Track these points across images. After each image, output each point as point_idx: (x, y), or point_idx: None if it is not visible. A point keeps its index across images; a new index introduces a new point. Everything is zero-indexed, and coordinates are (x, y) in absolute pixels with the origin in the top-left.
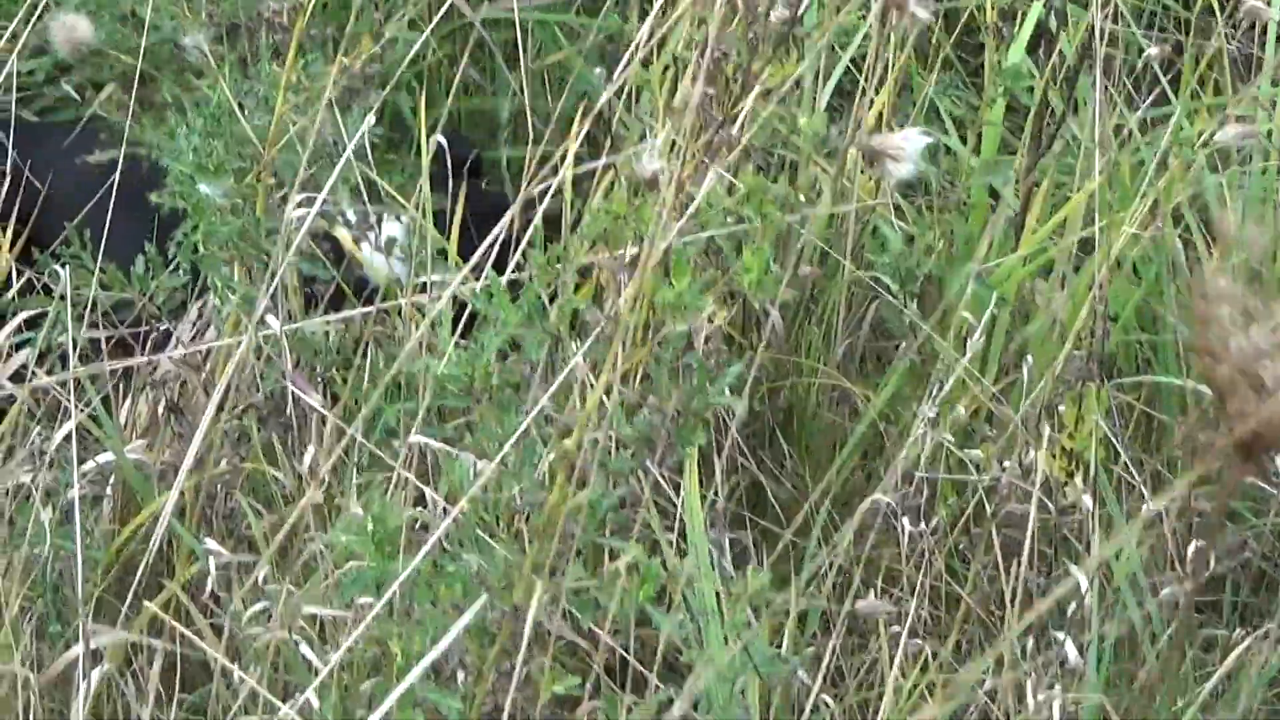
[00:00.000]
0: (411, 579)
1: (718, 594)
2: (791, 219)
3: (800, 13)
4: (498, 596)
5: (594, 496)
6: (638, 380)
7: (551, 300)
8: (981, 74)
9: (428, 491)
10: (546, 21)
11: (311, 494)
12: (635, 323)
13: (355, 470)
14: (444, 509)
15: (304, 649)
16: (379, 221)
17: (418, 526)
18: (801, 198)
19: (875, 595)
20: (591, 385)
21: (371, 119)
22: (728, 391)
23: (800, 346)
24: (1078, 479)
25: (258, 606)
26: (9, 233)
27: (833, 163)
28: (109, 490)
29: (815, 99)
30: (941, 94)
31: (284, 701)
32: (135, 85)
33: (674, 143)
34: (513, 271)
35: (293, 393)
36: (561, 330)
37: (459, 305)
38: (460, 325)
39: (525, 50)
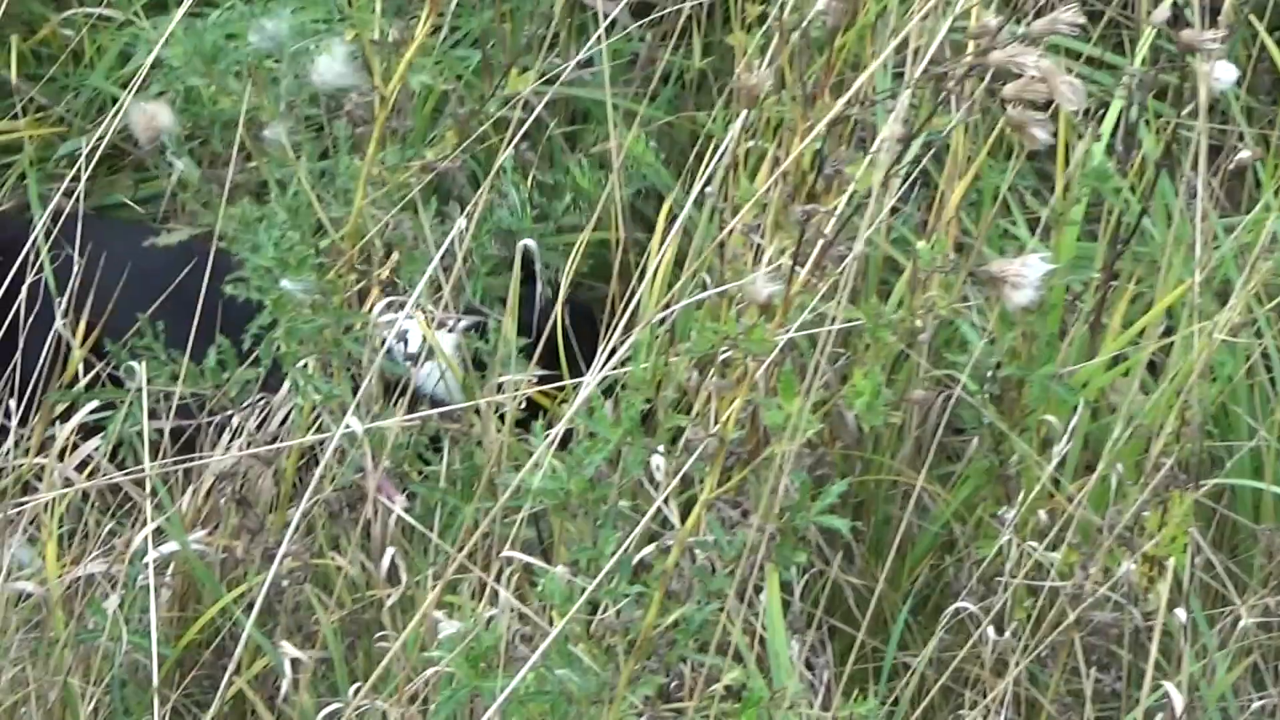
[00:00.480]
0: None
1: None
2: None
3: (913, 132)
4: (589, 715)
5: (688, 613)
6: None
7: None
8: (1049, 161)
9: (513, 603)
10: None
11: (390, 595)
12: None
13: (430, 574)
14: (523, 621)
15: None
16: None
17: (513, 641)
18: (918, 322)
19: (953, 700)
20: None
21: (463, 222)
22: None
23: (870, 441)
24: (1159, 585)
25: (330, 709)
26: (83, 324)
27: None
28: (168, 578)
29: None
30: (1013, 190)
31: None
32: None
33: (785, 256)
34: (600, 377)
35: (369, 489)
36: (662, 446)
37: (529, 406)
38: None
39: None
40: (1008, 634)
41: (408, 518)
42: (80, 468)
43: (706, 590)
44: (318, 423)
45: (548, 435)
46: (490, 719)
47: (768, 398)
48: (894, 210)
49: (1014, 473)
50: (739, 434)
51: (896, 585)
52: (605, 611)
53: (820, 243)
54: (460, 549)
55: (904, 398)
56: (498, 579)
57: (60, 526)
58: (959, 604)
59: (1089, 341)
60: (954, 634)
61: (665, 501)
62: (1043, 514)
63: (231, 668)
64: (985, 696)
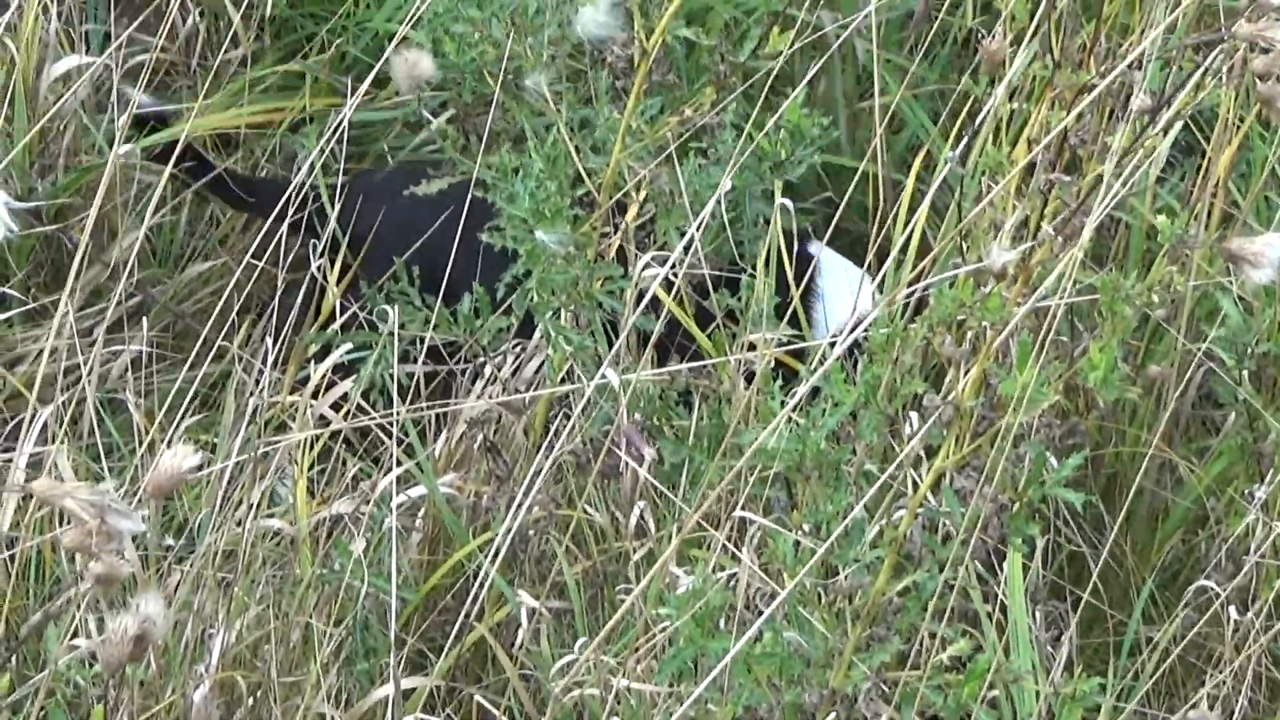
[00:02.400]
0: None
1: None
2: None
3: (1163, 102)
4: (818, 678)
5: (920, 578)
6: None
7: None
8: None
9: (746, 562)
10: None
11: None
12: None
13: (675, 528)
14: (762, 581)
15: None
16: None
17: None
18: (1154, 295)
19: (1195, 677)
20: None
21: (727, 182)
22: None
23: (1126, 413)
24: None
25: (567, 659)
26: (338, 266)
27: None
28: (418, 523)
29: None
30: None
31: None
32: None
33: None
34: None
35: (614, 442)
36: (898, 413)
37: (779, 362)
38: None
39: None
40: (1250, 614)
41: (646, 474)
42: (334, 409)
43: (938, 559)
44: (569, 373)
45: (788, 396)
46: (717, 678)
47: (1002, 367)
48: (1161, 180)
49: (1268, 450)
50: (976, 402)
51: (1146, 560)
52: (834, 576)
53: (1062, 213)
54: (700, 506)
55: (1143, 372)
56: (740, 538)
57: (311, 468)
58: (1203, 581)
59: None
60: (1199, 611)
61: (903, 467)
62: None
63: (470, 613)
64: (1227, 674)
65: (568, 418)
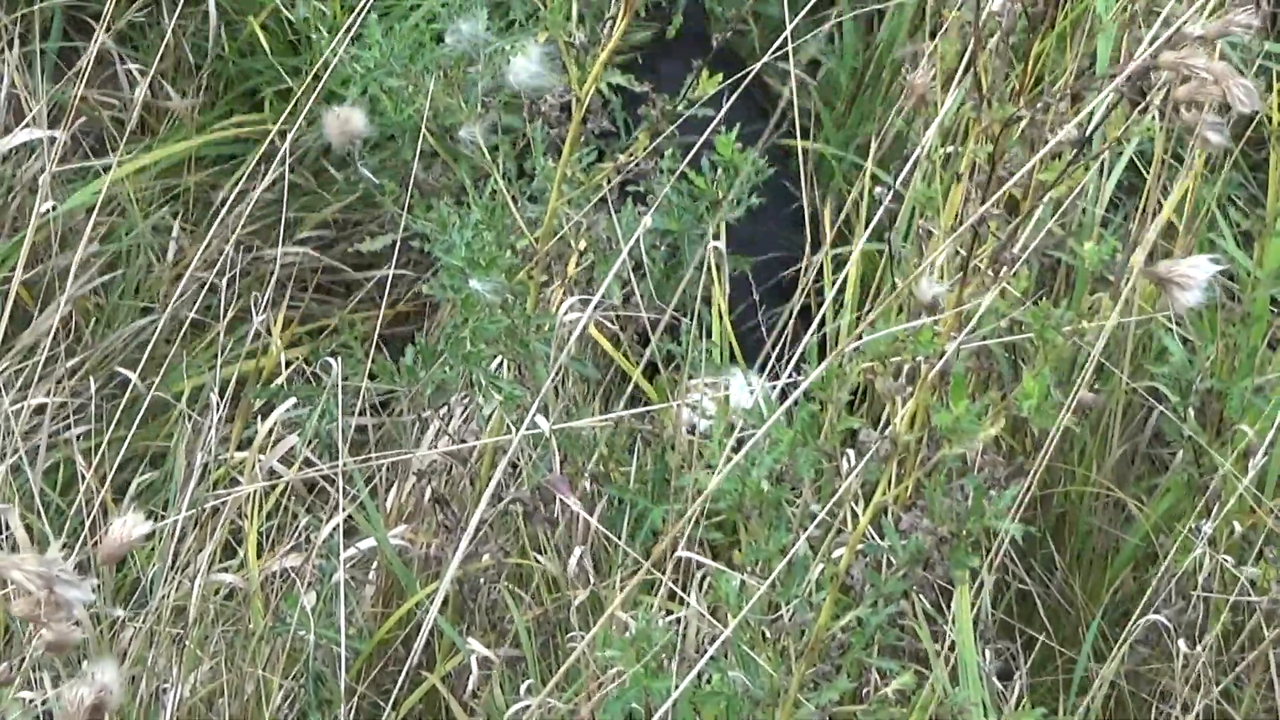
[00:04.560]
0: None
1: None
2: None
3: (1089, 134)
4: (763, 717)
5: (864, 614)
6: (908, 497)
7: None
8: (1265, 170)
9: (692, 603)
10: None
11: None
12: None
13: (620, 571)
14: (709, 622)
15: None
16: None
17: (681, 640)
18: (1084, 323)
19: (1145, 713)
20: (862, 504)
21: (649, 220)
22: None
23: (1074, 452)
24: None
25: (519, 705)
26: (279, 320)
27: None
28: (372, 576)
29: (1096, 204)
30: (1227, 202)
31: None
32: (412, 175)
33: (956, 258)
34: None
35: (543, 492)
36: (835, 448)
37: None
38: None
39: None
40: (1199, 648)
41: (588, 516)
42: (286, 464)
43: (880, 593)
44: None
45: (725, 438)
46: (661, 719)
47: (937, 401)
48: (1106, 222)
49: (1215, 485)
50: (911, 436)
51: (1096, 598)
52: (780, 614)
53: (994, 244)
54: (648, 550)
55: (1074, 401)
56: (686, 580)
57: (267, 521)
58: (1151, 616)
59: None
60: (1150, 646)
61: (842, 504)
62: (1237, 525)
63: (420, 663)
64: (1178, 709)
65: (517, 467)
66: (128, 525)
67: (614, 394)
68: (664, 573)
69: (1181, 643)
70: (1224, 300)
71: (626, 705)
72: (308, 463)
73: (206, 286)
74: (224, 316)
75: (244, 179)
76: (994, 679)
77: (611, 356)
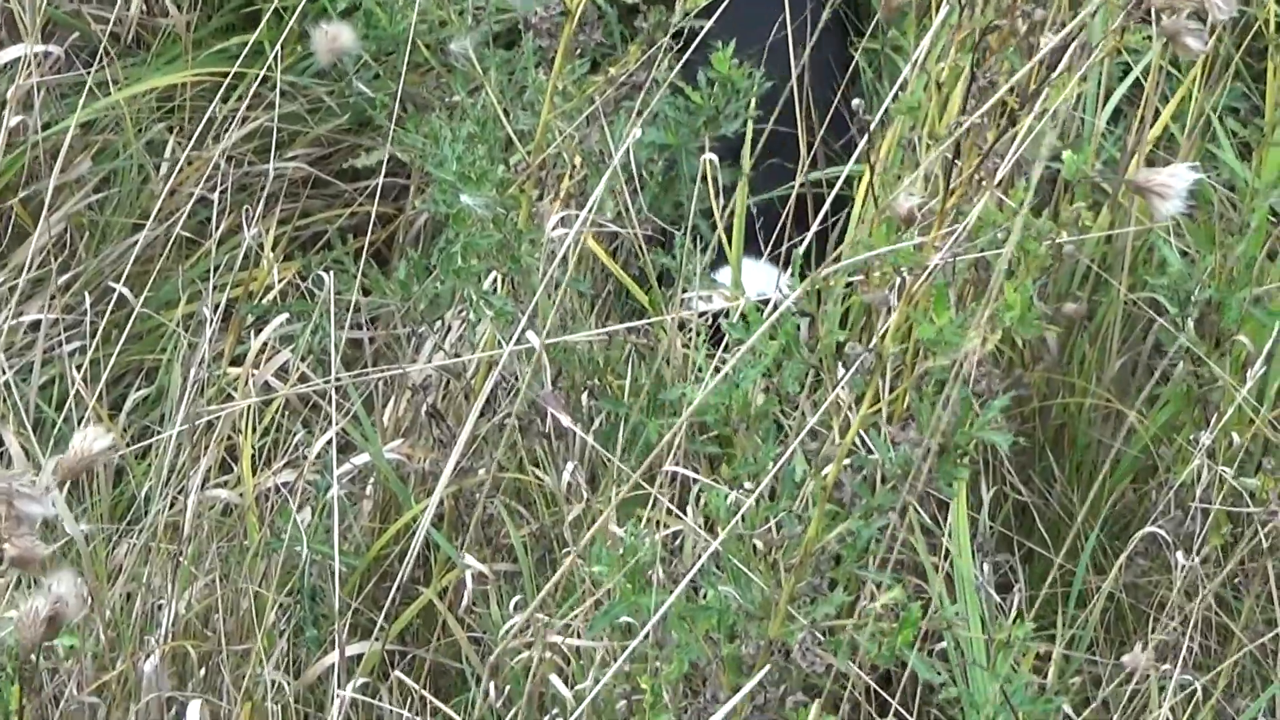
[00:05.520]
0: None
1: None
2: (1067, 247)
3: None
4: (755, 630)
5: (855, 525)
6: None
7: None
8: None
9: (684, 519)
10: None
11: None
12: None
13: (615, 485)
14: (702, 538)
15: (555, 682)
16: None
17: (672, 554)
18: (1064, 234)
19: (1144, 624)
20: (852, 417)
21: (638, 131)
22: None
23: (1073, 364)
24: None
25: (516, 620)
26: (271, 235)
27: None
28: (369, 491)
29: (1097, 115)
30: (1226, 111)
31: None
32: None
33: (947, 169)
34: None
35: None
36: (824, 361)
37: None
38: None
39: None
40: (1197, 559)
41: (580, 431)
42: (281, 379)
43: (869, 506)
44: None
45: (712, 351)
46: (656, 634)
47: (921, 312)
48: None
49: (1214, 397)
50: (898, 348)
51: (1096, 510)
52: (768, 526)
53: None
54: (639, 465)
55: (1056, 310)
56: (685, 495)
57: (263, 437)
58: (1150, 528)
59: None
60: (1148, 558)
61: (830, 415)
62: (1236, 436)
63: (410, 577)
64: (1176, 620)
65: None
66: (88, 439)
67: (613, 308)
68: (659, 487)
69: (1180, 554)
70: (1223, 211)
71: (613, 620)
72: (302, 378)
73: (198, 200)
74: (216, 230)
75: (238, 99)
76: (992, 591)
77: (610, 270)
